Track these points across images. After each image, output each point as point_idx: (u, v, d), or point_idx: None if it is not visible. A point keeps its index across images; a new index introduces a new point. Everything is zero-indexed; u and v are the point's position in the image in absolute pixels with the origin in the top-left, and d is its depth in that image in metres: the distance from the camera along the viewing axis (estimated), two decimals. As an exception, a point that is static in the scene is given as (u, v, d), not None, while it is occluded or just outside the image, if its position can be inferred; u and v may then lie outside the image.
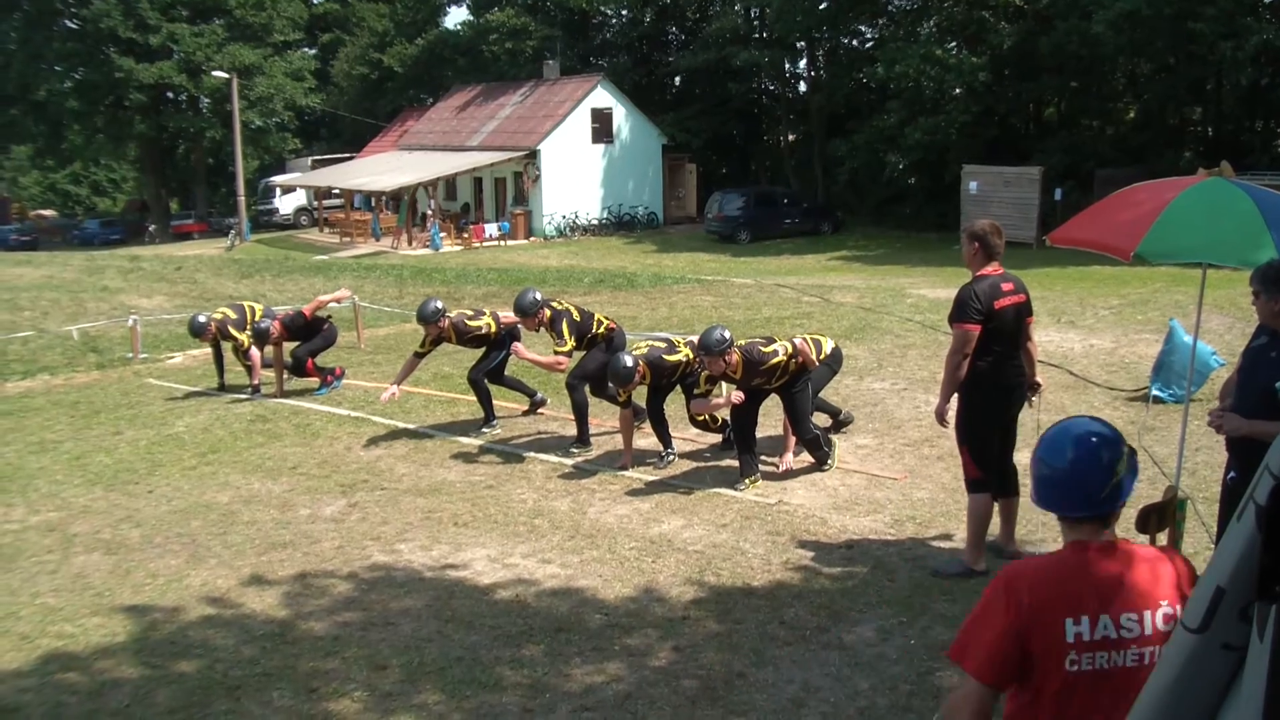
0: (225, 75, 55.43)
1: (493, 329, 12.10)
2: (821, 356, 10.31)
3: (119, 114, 62.98)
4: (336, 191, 55.05)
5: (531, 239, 46.90)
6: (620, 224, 48.79)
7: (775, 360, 9.45)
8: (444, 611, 7.35)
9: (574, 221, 48.01)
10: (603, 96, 49.16)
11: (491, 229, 46.89)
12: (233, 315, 14.42)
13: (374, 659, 6.68)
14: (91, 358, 17.99)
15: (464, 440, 11.75)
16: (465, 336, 12.07)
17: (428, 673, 6.47)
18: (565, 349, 10.88)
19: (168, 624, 7.41)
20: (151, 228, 64.98)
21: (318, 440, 12.07)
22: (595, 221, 48.57)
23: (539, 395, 12.80)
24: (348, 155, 62.90)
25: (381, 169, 51.27)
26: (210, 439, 12.34)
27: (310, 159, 66.18)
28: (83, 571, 8.47)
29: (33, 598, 7.98)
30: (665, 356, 10.28)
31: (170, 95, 65.01)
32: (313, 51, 72.88)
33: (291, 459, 11.36)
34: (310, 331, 14.30)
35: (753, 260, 35.79)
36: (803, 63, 52.23)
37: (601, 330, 11.32)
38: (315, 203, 59.36)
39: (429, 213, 47.05)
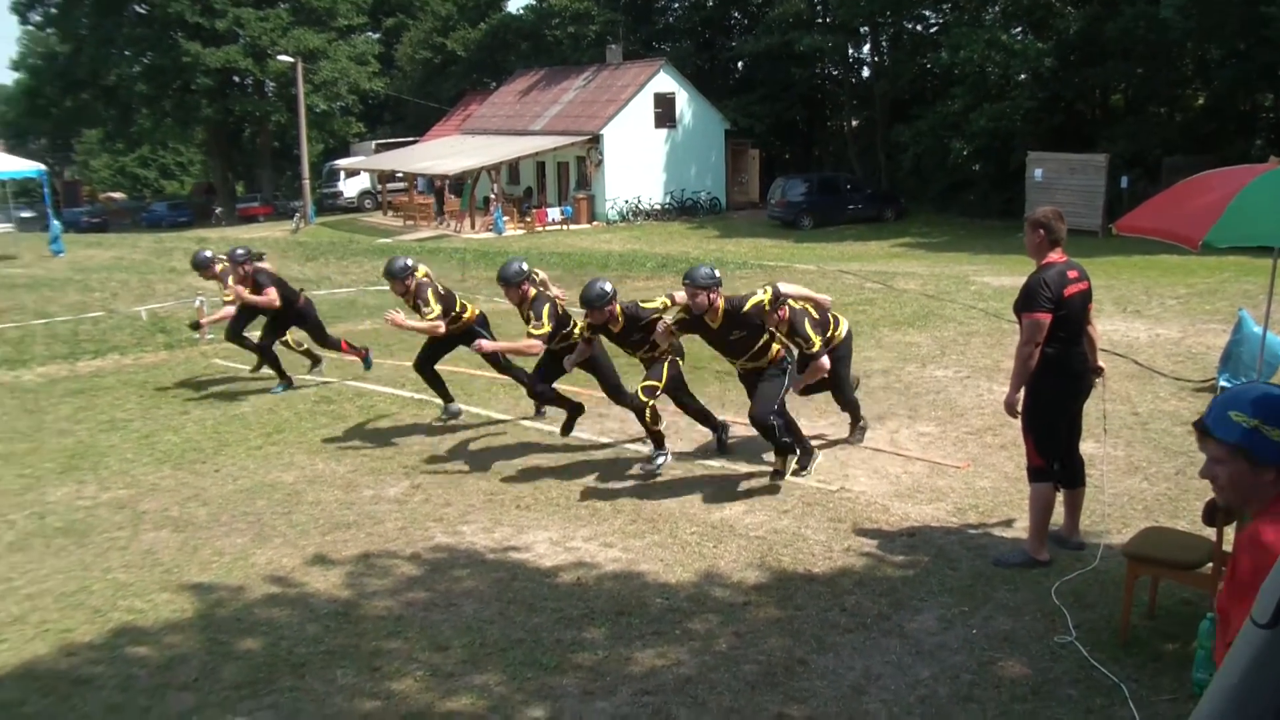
0: (290, 59, 55.85)
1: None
2: (837, 334, 10.07)
3: (186, 98, 63.64)
4: (400, 175, 55.36)
5: (594, 223, 46.96)
6: (683, 209, 48.75)
7: (755, 300, 9.00)
8: (506, 593, 7.41)
9: (636, 206, 48.01)
10: (665, 81, 49.07)
11: (554, 213, 46.99)
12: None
13: (436, 639, 6.74)
14: (160, 338, 18.21)
15: (526, 423, 11.81)
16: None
17: (489, 654, 6.53)
18: (541, 331, 10.14)
19: (234, 601, 7.52)
20: (218, 210, 65.71)
21: (381, 421, 12.18)
22: (658, 206, 48.55)
23: (454, 406, 12.32)
24: (411, 139, 63.24)
25: (444, 153, 51.48)
26: (275, 419, 12.47)
27: (374, 143, 66.59)
28: (152, 548, 8.60)
29: (104, 573, 8.13)
30: (642, 304, 9.75)
31: (236, 79, 65.59)
32: (376, 35, 73.32)
33: (355, 440, 11.47)
34: (299, 316, 13.98)
35: (815, 246, 35.67)
36: (866, 48, 51.86)
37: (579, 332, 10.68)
38: (379, 186, 59.73)
39: (492, 197, 47.21)
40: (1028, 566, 7.36)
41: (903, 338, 15.68)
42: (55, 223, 35.90)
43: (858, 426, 10.69)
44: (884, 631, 6.60)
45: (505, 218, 45.42)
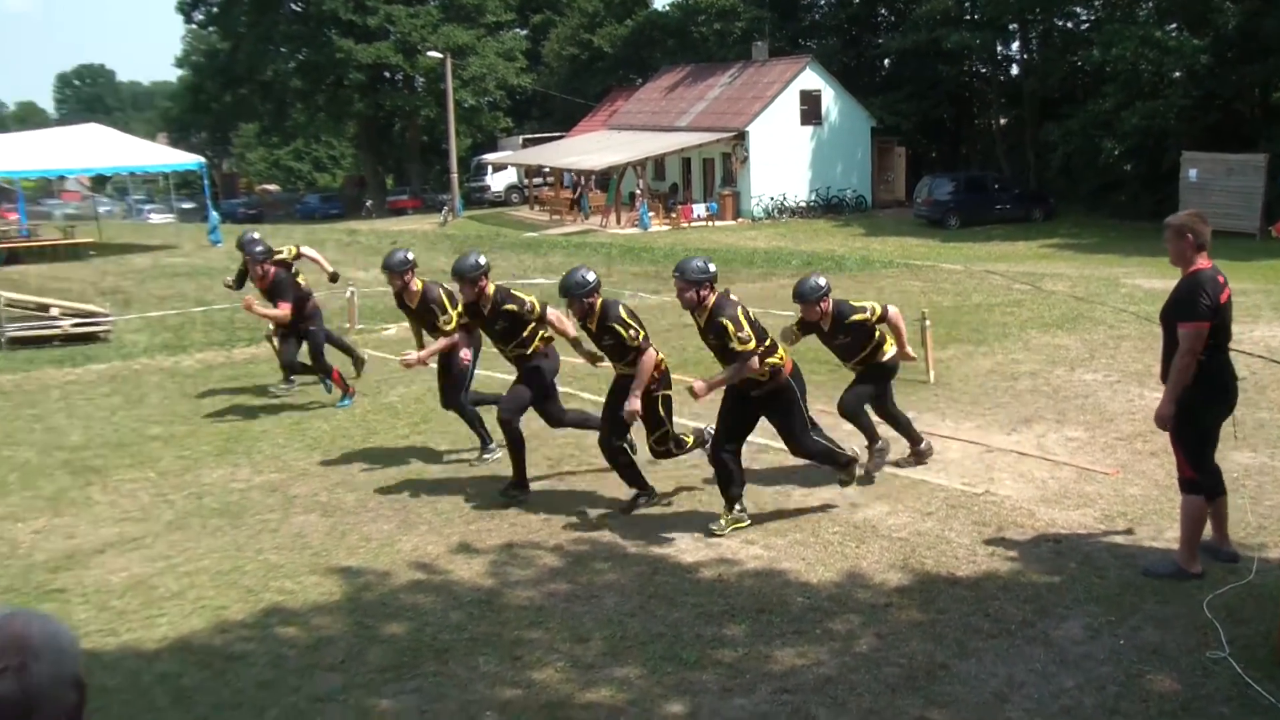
0: (439, 55, 56.86)
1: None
2: (882, 354, 9.59)
3: (339, 93, 65.29)
4: (546, 170, 55.90)
5: (739, 220, 46.90)
6: (828, 207, 48.48)
7: (859, 317, 8.97)
8: (647, 587, 7.45)
9: (782, 203, 47.86)
10: (811, 78, 48.83)
11: (699, 209, 47.05)
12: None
13: (577, 631, 6.81)
14: (311, 327, 18.67)
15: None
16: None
17: (629, 647, 6.57)
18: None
19: (380, 586, 7.69)
20: (368, 203, 67.05)
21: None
22: (803, 204, 48.34)
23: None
24: (558, 134, 63.80)
25: (590, 148, 51.82)
26: (422, 409, 12.68)
27: (521, 138, 67.39)
28: (302, 531, 8.84)
29: (256, 553, 8.38)
30: (623, 308, 8.95)
31: (387, 75, 67.03)
32: (524, 32, 74.12)
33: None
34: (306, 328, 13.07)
35: (962, 246, 35.20)
36: (1015, 45, 50.98)
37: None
38: (525, 181, 60.41)
39: (637, 192, 47.42)
40: (1178, 578, 7.17)
41: (1051, 340, 15.42)
42: (213, 213, 36.99)
43: (875, 449, 9.69)
44: (1028, 639, 6.49)
45: (650, 214, 45.56)
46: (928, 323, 13.40)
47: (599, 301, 8.80)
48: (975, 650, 6.37)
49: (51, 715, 2.08)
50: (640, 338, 8.74)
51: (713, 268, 8.30)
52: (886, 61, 57.80)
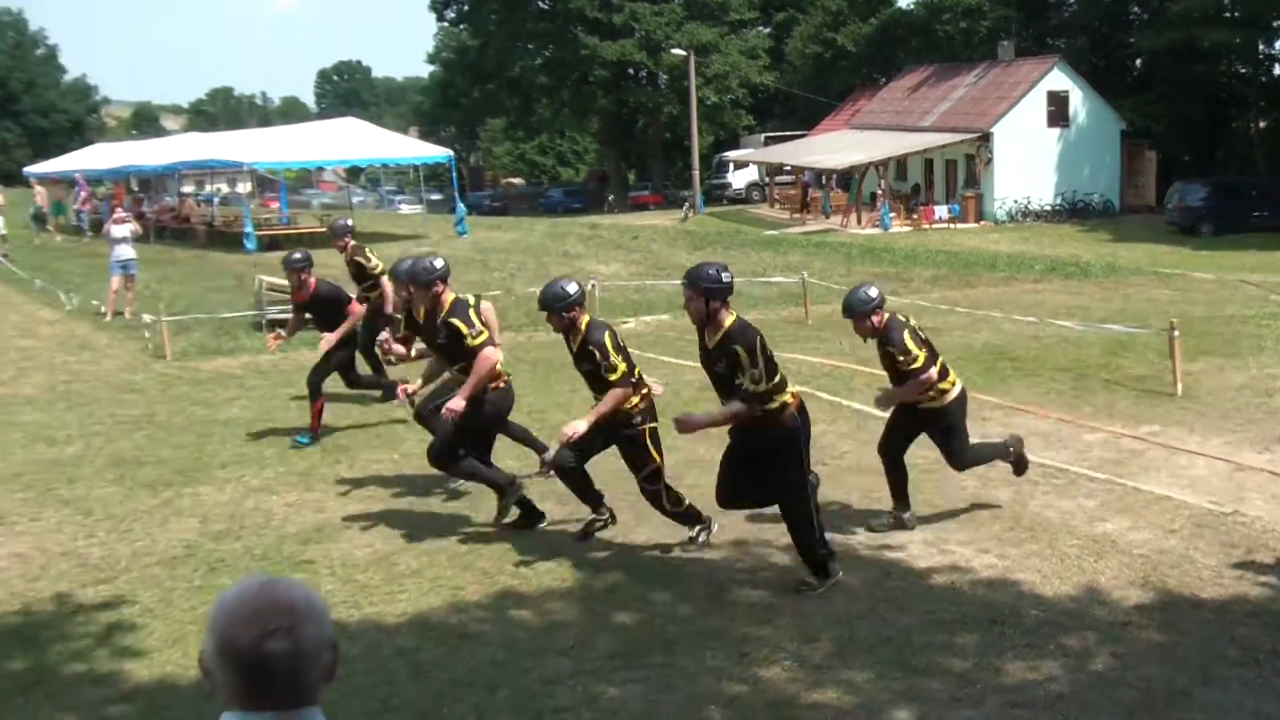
0: (683, 53, 57.38)
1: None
2: (945, 388, 8.52)
3: (583, 89, 66.62)
4: (788, 168, 55.85)
5: (981, 223, 46.01)
6: (1074, 211, 47.11)
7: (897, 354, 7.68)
8: (877, 590, 7.39)
9: (1025, 207, 46.77)
10: (1059, 79, 47.59)
11: (941, 211, 46.39)
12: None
13: (805, 630, 6.80)
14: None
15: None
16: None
17: (857, 650, 6.53)
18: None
19: (611, 575, 7.85)
20: (610, 198, 68.10)
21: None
22: (1047, 207, 47.13)
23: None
24: (799, 133, 63.59)
25: (832, 147, 51.55)
26: (659, 403, 12.75)
27: (763, 135, 67.46)
28: (537, 518, 9.02)
29: (493, 536, 8.64)
30: (608, 334, 8.08)
31: (631, 72, 67.99)
32: (767, 30, 74.15)
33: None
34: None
35: (1215, 254, 33.76)
36: (1278, 44, 48.69)
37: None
38: (767, 178, 60.45)
39: (879, 192, 46.97)
40: None
41: (1312, 355, 14.71)
42: (460, 205, 38.08)
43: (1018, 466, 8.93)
44: (1277, 670, 6.19)
45: (891, 214, 45.08)
46: (1176, 333, 12.89)
47: (583, 318, 8.08)
48: (1219, 678, 6.11)
49: (314, 674, 2.24)
50: (619, 372, 7.92)
51: (727, 278, 7.29)
52: (1138, 61, 55.98)
